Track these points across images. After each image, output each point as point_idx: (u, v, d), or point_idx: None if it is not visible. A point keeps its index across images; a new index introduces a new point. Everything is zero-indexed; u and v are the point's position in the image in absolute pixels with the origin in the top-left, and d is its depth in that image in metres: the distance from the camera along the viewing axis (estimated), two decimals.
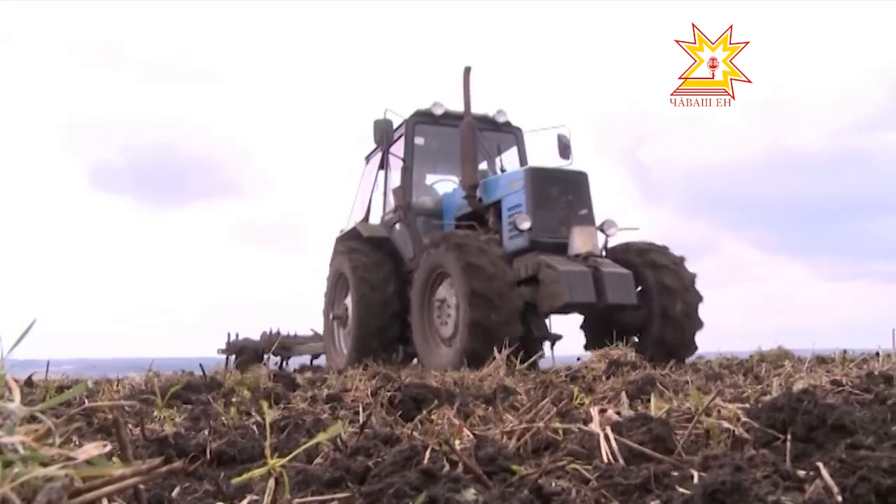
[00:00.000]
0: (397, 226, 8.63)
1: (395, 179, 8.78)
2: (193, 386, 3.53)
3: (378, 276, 8.19)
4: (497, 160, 8.92)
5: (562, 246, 6.74)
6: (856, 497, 1.02)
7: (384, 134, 8.41)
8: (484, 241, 6.51)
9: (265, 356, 9.43)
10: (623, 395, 2.58)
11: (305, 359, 11.05)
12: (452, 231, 6.97)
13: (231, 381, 3.90)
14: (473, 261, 6.13)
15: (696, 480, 1.16)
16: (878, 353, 4.21)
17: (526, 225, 6.76)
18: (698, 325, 6.75)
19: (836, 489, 1.03)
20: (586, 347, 7.26)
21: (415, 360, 9.01)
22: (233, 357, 11.28)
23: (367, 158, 9.72)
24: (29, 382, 4.07)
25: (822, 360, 4.62)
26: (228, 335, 11.68)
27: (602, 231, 7.05)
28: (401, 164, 8.53)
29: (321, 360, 11.06)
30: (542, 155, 8.88)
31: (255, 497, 1.25)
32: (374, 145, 9.41)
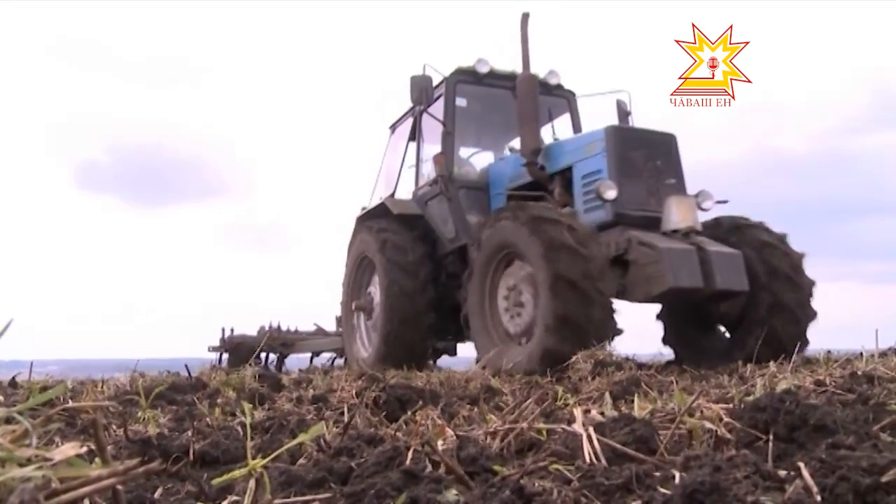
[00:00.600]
0: (432, 201, 7.42)
1: (429, 149, 7.66)
2: (178, 386, 3.50)
3: (412, 259, 7.04)
4: (549, 127, 7.62)
5: (652, 221, 5.62)
6: (835, 497, 1.02)
7: (422, 92, 6.98)
8: (575, 221, 5.32)
9: (260, 353, 8.76)
10: (607, 395, 2.59)
11: (304, 357, 10.51)
12: (529, 204, 5.60)
13: (216, 381, 3.88)
14: (560, 242, 4.90)
15: (677, 481, 1.17)
16: (861, 354, 4.24)
17: (612, 194, 5.59)
18: (812, 315, 5.60)
19: (815, 489, 1.04)
20: (665, 342, 6.41)
21: (439, 358, 8.24)
22: (227, 355, 10.45)
23: (393, 127, 8.53)
24: (13, 383, 4.03)
25: (807, 361, 4.65)
26: (223, 331, 10.89)
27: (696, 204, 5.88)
28: (436, 130, 7.36)
29: (320, 359, 10.55)
30: (595, 125, 7.56)
31: (236, 498, 1.24)
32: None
